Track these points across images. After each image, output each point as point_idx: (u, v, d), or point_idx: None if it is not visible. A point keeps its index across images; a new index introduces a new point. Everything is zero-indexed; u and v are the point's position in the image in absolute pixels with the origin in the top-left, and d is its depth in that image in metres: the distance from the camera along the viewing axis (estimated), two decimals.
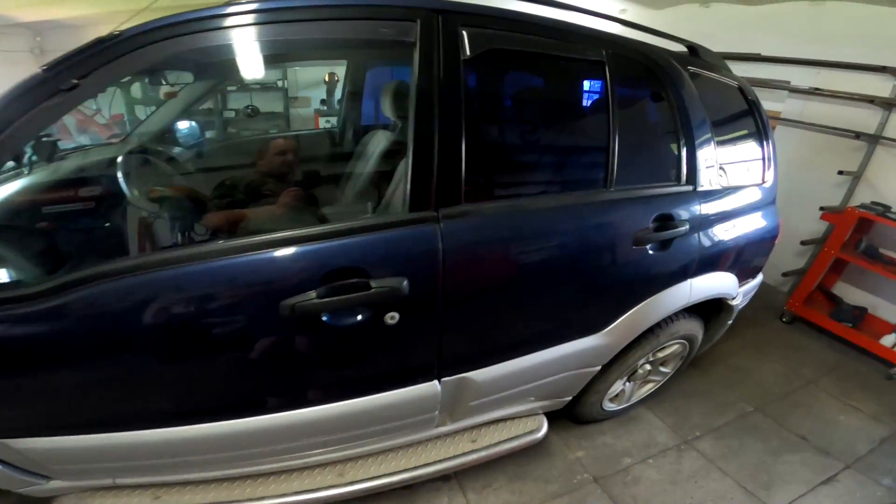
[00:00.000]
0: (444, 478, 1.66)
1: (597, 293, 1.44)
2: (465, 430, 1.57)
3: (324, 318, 1.03)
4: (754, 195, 1.82)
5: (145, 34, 0.92)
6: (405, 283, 1.04)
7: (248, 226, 1.31)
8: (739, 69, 3.54)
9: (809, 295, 2.83)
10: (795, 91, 3.11)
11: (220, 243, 1.05)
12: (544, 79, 1.57)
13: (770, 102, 3.35)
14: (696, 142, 1.54)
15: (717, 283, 1.72)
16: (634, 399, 2.01)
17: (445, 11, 1.12)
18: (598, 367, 1.61)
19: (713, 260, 1.66)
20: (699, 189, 1.56)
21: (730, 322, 1.96)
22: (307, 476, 1.40)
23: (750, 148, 1.87)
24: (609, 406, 1.91)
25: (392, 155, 1.63)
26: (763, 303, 3.07)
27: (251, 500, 1.33)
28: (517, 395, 1.52)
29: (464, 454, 1.50)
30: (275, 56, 1.91)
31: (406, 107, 1.12)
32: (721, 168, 1.65)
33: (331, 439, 1.30)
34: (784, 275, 3.09)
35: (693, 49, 1.78)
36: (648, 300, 1.51)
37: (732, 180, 1.71)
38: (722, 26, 3.50)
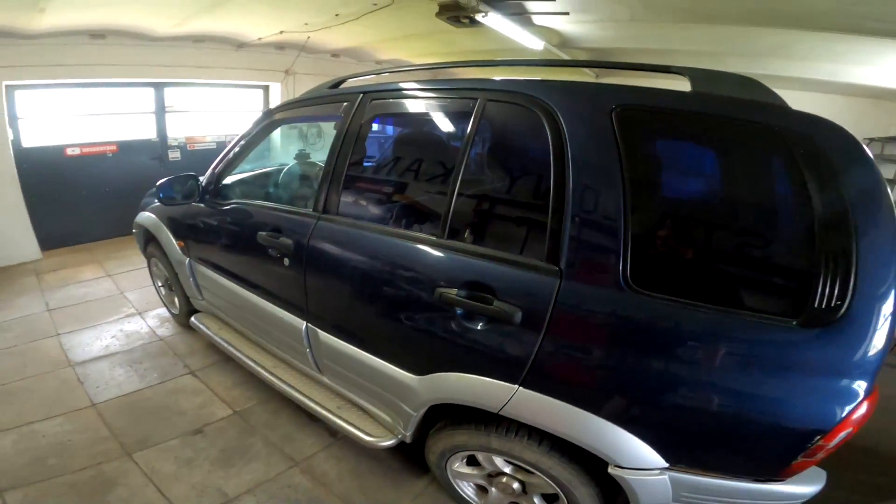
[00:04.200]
0: (331, 432, 2.18)
1: (402, 333, 1.53)
2: (338, 395, 2.00)
3: None
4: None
5: None
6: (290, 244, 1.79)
7: None
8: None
9: None
10: None
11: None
12: None
13: None
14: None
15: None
16: None
17: None
18: (413, 412, 1.60)
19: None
20: None
21: None
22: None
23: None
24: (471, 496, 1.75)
25: None
26: None
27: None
28: (359, 387, 1.82)
29: (327, 409, 1.94)
30: None
31: None
32: None
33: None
34: None
35: None
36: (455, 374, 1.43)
37: None
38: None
